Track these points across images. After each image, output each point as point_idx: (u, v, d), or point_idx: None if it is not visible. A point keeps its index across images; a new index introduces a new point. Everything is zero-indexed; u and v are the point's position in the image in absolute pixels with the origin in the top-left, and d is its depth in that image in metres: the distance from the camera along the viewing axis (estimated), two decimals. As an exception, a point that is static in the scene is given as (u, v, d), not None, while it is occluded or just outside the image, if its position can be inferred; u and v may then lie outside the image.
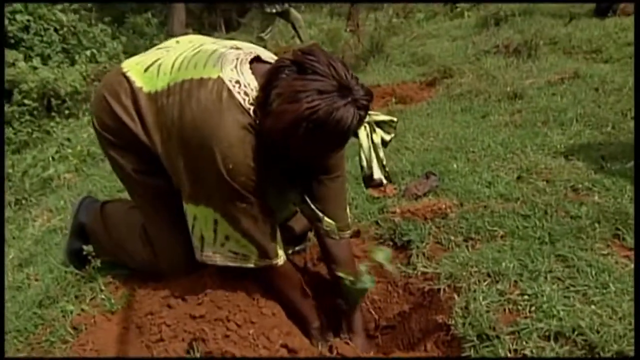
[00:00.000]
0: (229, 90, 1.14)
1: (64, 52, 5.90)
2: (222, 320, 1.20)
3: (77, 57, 5.88)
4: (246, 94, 1.15)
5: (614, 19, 4.21)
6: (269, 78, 1.10)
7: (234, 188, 1.15)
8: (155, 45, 1.47)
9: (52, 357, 1.24)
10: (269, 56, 1.29)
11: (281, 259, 1.29)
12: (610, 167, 1.84)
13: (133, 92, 1.27)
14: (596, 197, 1.65)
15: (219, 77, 1.16)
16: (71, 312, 1.36)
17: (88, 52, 5.84)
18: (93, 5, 6.85)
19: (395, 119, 1.24)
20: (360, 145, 1.22)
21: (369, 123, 1.20)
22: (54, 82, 5.04)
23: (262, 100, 1.11)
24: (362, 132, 1.20)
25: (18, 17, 5.61)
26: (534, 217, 1.59)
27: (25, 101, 5.00)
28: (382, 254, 1.38)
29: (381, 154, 1.23)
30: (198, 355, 1.13)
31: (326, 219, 1.36)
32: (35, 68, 5.23)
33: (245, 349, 1.15)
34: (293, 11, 6.21)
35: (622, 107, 2.45)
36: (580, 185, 1.74)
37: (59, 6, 6.00)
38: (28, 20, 5.68)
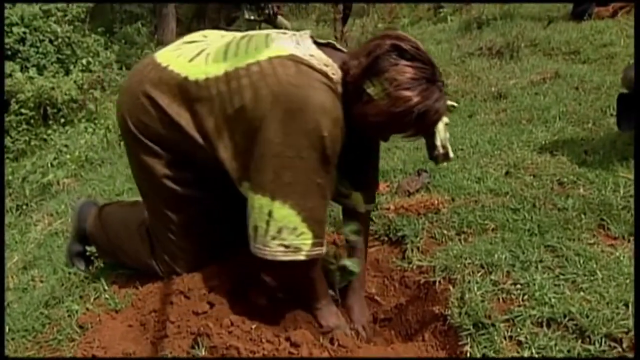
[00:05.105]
0: (309, 64, 1.13)
1: (58, 62, 5.96)
2: (225, 315, 1.22)
3: (71, 66, 5.95)
4: (326, 65, 1.14)
5: (589, 22, 4.34)
6: (373, 61, 1.10)
7: (320, 159, 1.11)
8: (147, 53, 1.46)
9: (50, 358, 1.24)
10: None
11: (325, 247, 1.24)
12: (593, 161, 1.91)
13: (178, 84, 1.22)
14: (581, 190, 1.72)
15: (291, 54, 1.14)
16: (76, 312, 1.37)
17: (84, 61, 5.87)
18: (86, 16, 6.86)
19: (455, 104, 1.31)
20: (436, 127, 1.27)
21: None
22: (49, 92, 5.09)
23: (360, 82, 1.11)
24: None
25: (15, 29, 5.68)
26: (523, 210, 1.64)
27: (22, 110, 5.05)
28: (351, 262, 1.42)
29: (448, 134, 1.30)
30: (203, 350, 1.14)
31: (354, 193, 1.37)
32: (31, 78, 5.28)
33: (248, 343, 1.16)
34: (281, 18, 6.22)
35: (602, 105, 2.54)
36: (565, 179, 1.81)
37: (53, 18, 6.04)
38: (24, 32, 5.74)
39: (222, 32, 1.40)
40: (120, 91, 1.41)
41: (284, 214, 1.14)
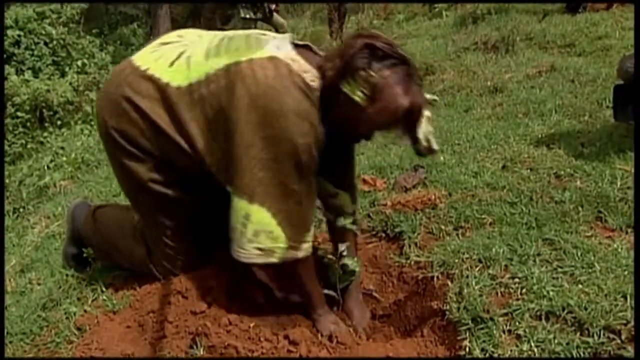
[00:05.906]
0: (289, 67, 1.12)
1: (54, 64, 5.93)
2: (223, 315, 1.21)
3: (67, 68, 5.92)
4: (305, 71, 1.14)
5: (584, 15, 4.35)
6: (347, 61, 1.09)
7: (295, 165, 1.12)
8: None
9: (50, 358, 1.24)
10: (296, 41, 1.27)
11: (303, 252, 1.23)
12: (590, 154, 1.91)
13: (160, 89, 1.21)
14: (578, 183, 1.72)
15: (272, 56, 1.14)
16: (74, 314, 1.37)
17: (79, 63, 5.84)
18: (80, 17, 6.82)
19: (436, 98, 1.30)
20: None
21: None
22: (45, 94, 5.07)
23: (336, 83, 1.10)
24: None
25: (9, 32, 5.67)
26: (520, 204, 1.64)
27: (18, 113, 5.02)
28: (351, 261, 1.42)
29: (431, 128, 1.27)
30: (201, 349, 1.14)
31: (340, 193, 1.37)
32: (27, 81, 5.26)
33: (247, 342, 1.16)
34: (276, 16, 6.20)
35: (598, 97, 2.55)
36: (562, 172, 1.81)
37: (48, 20, 6.02)
38: (19, 35, 5.73)
39: (199, 32, 1.39)
40: (99, 96, 1.39)
41: (261, 216, 1.15)
